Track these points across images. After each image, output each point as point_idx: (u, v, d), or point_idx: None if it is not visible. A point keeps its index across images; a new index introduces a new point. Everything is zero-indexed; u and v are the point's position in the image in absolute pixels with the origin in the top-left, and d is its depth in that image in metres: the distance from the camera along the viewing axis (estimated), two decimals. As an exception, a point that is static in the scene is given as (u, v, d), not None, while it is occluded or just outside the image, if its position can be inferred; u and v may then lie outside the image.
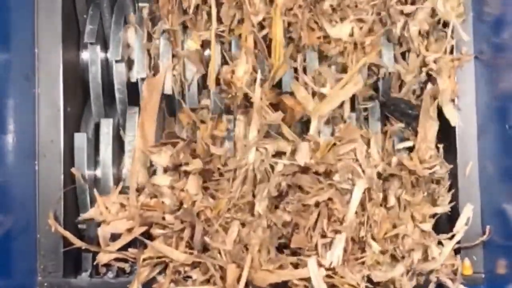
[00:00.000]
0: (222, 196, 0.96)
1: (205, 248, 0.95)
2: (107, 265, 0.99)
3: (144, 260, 0.95)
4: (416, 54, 1.02)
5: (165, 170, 0.99)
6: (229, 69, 1.00)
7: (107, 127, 1.02)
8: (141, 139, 0.99)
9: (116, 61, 1.02)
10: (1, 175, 0.94)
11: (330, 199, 0.95)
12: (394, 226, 0.96)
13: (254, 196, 0.96)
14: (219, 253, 0.94)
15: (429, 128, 1.00)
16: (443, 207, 0.99)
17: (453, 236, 0.98)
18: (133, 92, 1.04)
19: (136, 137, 0.99)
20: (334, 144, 0.97)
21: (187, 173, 0.98)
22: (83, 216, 0.99)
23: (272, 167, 0.97)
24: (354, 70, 0.99)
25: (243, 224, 0.96)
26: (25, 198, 0.97)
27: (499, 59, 0.99)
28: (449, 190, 1.00)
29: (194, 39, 1.01)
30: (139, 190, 0.98)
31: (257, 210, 0.95)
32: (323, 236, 0.95)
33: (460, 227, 0.98)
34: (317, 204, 0.95)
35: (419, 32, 1.01)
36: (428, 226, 0.97)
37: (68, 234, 0.96)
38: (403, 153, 1.02)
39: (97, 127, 1.04)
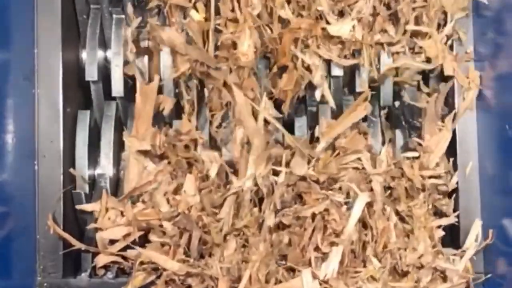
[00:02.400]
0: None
1: (203, 254, 0.95)
2: (107, 266, 0.98)
3: (141, 263, 0.94)
4: (403, 24, 0.98)
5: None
6: (230, 37, 0.97)
7: None
8: (135, 146, 0.98)
9: (115, 13, 1.02)
10: (1, 175, 0.93)
11: (326, 210, 0.94)
12: (407, 237, 0.95)
13: (260, 211, 0.95)
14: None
15: (438, 139, 0.98)
16: (448, 219, 0.98)
17: (462, 252, 0.96)
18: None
19: (131, 143, 0.99)
20: (338, 154, 0.96)
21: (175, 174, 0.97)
22: (82, 206, 0.99)
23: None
24: (363, 96, 0.98)
25: (242, 235, 0.95)
26: (24, 198, 0.97)
27: (500, 58, 0.98)
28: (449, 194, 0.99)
29: (199, 9, 0.99)
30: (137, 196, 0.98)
31: (268, 225, 0.94)
32: (318, 248, 0.93)
33: (470, 244, 0.96)
34: (313, 217, 0.94)
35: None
36: (439, 232, 0.96)
37: (67, 236, 0.96)
38: (406, 160, 0.99)
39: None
